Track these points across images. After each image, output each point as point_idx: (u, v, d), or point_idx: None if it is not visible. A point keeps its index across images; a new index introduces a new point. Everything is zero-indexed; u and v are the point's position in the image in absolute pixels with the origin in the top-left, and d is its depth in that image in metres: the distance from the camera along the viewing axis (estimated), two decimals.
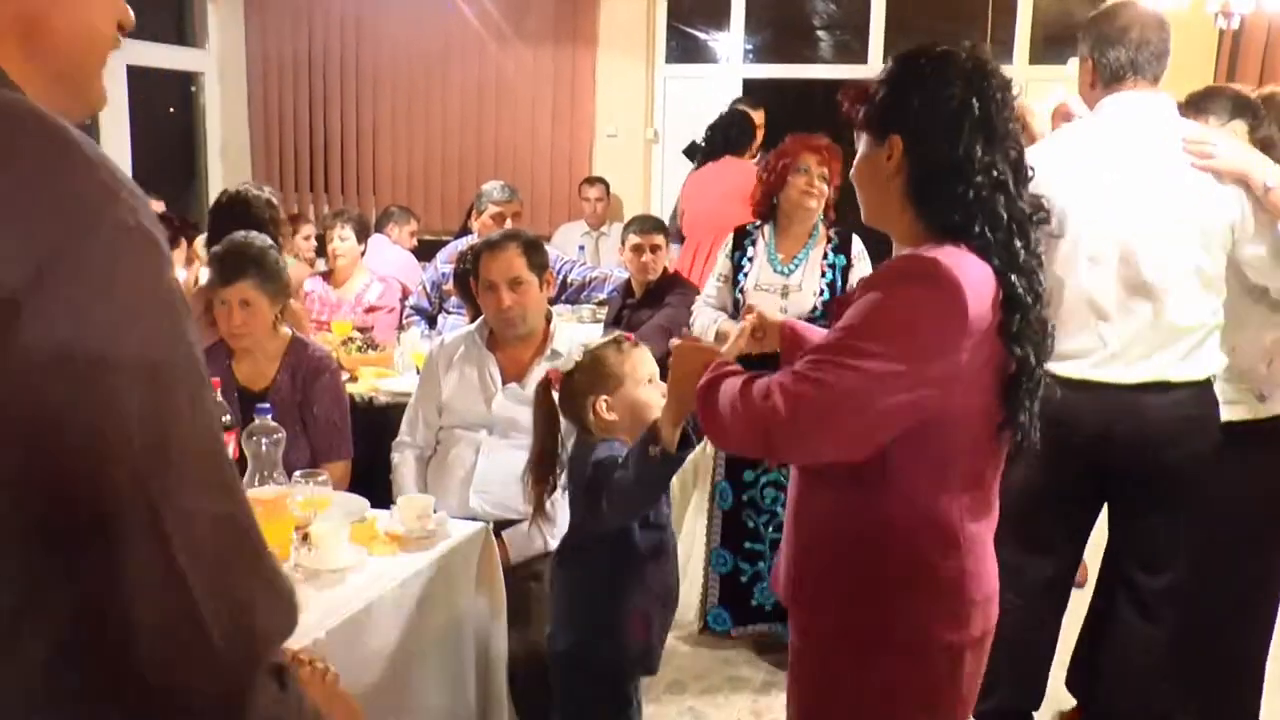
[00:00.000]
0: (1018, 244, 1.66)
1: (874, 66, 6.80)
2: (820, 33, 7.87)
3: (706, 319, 3.65)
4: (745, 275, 3.60)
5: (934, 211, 1.68)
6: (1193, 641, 2.83)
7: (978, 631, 1.75)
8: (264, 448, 2.43)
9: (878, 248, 3.40)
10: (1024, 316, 1.65)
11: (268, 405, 2.53)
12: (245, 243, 3.13)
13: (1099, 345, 2.62)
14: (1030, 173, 1.73)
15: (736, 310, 3.58)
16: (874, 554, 1.71)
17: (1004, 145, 1.68)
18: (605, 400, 2.29)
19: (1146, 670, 2.81)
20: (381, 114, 7.64)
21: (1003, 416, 1.68)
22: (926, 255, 1.62)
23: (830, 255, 3.56)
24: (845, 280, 3.53)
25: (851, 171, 1.83)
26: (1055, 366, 2.65)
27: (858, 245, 3.59)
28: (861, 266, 3.55)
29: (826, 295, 3.51)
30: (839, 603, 1.77)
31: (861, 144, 1.79)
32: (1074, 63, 7.18)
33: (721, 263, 3.69)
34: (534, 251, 3.17)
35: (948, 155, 1.65)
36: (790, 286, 3.53)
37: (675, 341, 1.97)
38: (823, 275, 3.53)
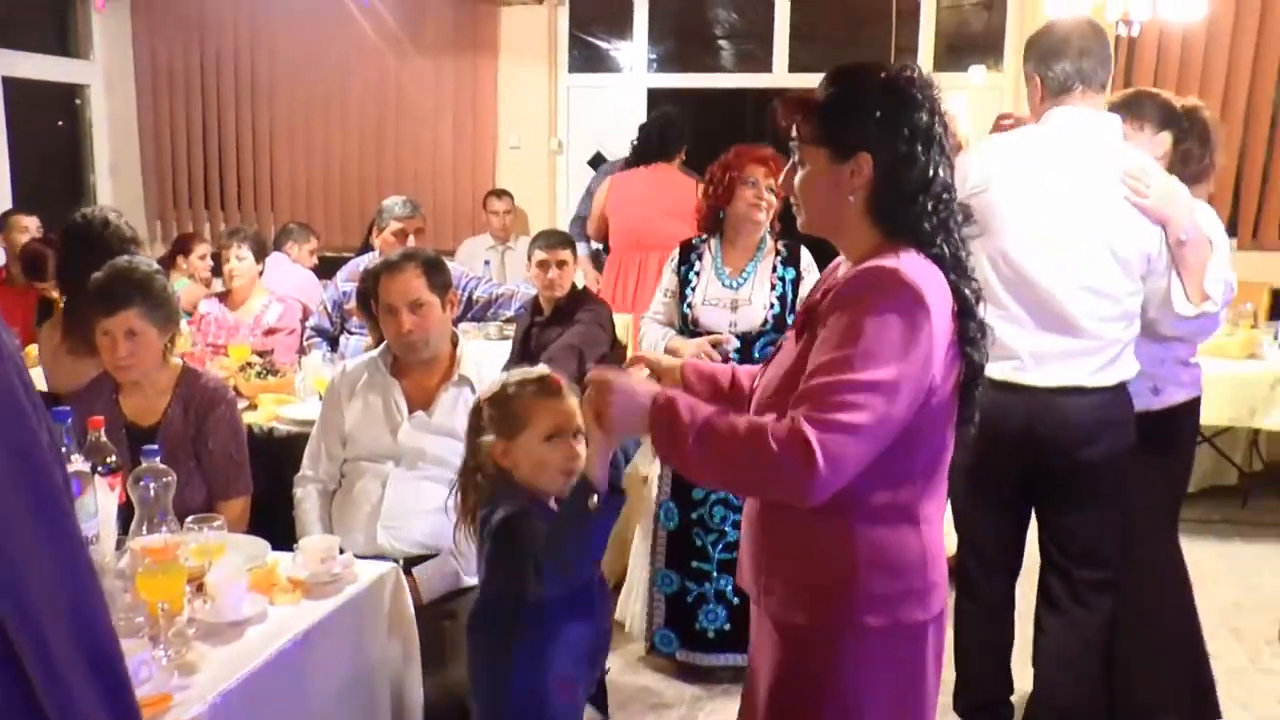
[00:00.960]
0: (964, 254, 1.77)
1: (779, 75, 6.81)
2: (723, 42, 7.85)
3: (655, 335, 3.58)
4: (693, 289, 3.53)
5: (899, 226, 1.74)
6: (1117, 628, 2.91)
7: (937, 610, 1.82)
8: (152, 492, 2.27)
9: (820, 256, 3.36)
10: (973, 321, 1.76)
11: (155, 446, 2.37)
12: (129, 268, 2.93)
13: (1014, 354, 2.67)
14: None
15: (685, 325, 3.54)
16: (840, 542, 1.75)
17: (949, 161, 1.77)
18: (501, 445, 2.12)
19: (1077, 659, 2.88)
20: (278, 128, 7.44)
21: (958, 412, 1.80)
22: (887, 266, 1.68)
23: (779, 268, 3.51)
24: (796, 292, 3.47)
25: (797, 184, 1.83)
26: None
27: (807, 257, 3.54)
28: (811, 278, 3.48)
29: (777, 309, 3.46)
30: (808, 591, 1.80)
31: (813, 157, 1.80)
32: (975, 70, 7.28)
33: (668, 277, 3.62)
34: (435, 271, 3.04)
35: (918, 174, 1.72)
36: (739, 300, 3.47)
37: (591, 374, 1.86)
38: (773, 288, 3.48)
